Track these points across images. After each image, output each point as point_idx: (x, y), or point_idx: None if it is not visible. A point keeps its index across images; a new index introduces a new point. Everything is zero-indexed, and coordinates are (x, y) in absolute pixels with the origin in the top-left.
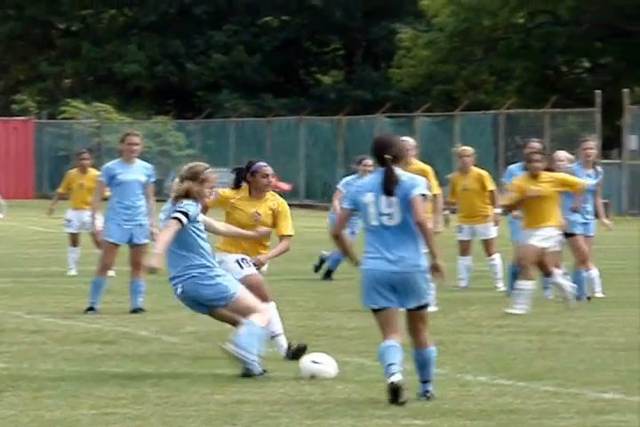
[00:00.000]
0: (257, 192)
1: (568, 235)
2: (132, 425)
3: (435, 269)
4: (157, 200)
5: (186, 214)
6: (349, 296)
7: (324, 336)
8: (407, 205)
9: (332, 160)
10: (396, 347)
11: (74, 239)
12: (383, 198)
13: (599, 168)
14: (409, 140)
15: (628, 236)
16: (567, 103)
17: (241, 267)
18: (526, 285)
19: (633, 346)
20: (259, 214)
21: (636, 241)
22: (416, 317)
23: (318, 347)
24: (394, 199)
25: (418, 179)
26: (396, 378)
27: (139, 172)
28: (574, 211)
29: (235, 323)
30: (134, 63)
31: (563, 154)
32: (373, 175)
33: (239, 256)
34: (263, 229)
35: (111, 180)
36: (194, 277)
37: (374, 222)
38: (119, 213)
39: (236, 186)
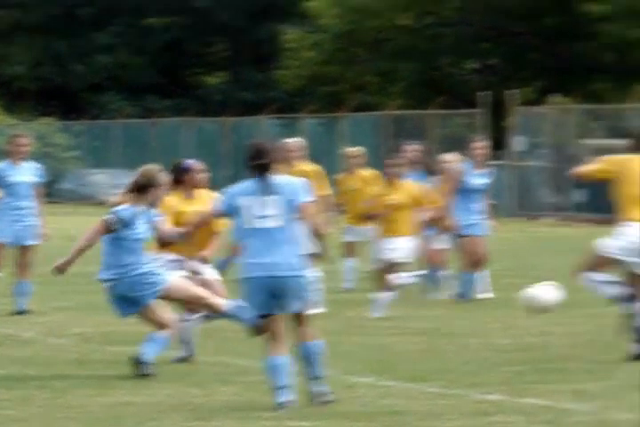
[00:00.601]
0: (190, 191)
1: (459, 236)
2: None
3: (317, 256)
4: (48, 202)
5: (121, 220)
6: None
7: (209, 338)
8: (288, 208)
9: (217, 162)
10: (286, 365)
11: None
12: (260, 201)
13: (489, 169)
14: (293, 142)
15: (513, 237)
16: (454, 104)
17: (173, 268)
18: (384, 295)
19: (518, 347)
20: (200, 212)
21: (520, 243)
22: (298, 319)
23: (204, 348)
24: (272, 202)
25: (299, 183)
26: (287, 407)
27: (28, 173)
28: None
29: (159, 326)
30: (19, 65)
31: (448, 156)
32: (250, 180)
33: (172, 257)
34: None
35: (1, 181)
36: (127, 276)
37: (251, 226)
38: (9, 214)
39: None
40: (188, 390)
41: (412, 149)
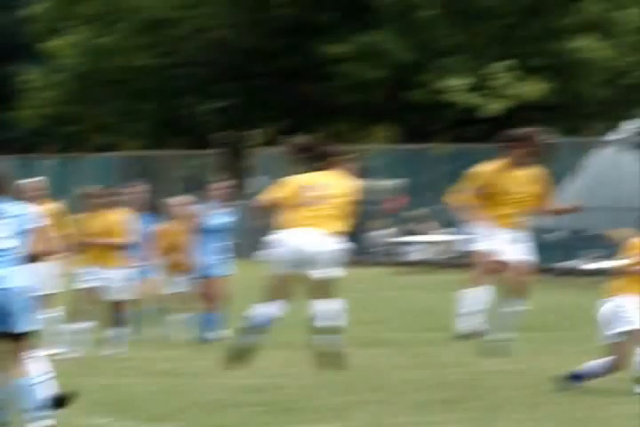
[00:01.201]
0: None
1: (198, 277)
2: None
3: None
4: None
5: None
6: None
7: None
8: (16, 232)
9: None
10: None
11: None
12: None
13: (230, 209)
14: (33, 182)
15: (251, 277)
16: (196, 145)
17: None
18: (115, 332)
19: (255, 388)
20: None
21: (259, 283)
22: (18, 345)
23: None
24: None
25: (28, 208)
26: None
27: None
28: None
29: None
30: None
31: (178, 198)
32: None
33: None
34: None
35: None
36: None
37: None
38: None
39: None
40: None
41: (134, 190)
